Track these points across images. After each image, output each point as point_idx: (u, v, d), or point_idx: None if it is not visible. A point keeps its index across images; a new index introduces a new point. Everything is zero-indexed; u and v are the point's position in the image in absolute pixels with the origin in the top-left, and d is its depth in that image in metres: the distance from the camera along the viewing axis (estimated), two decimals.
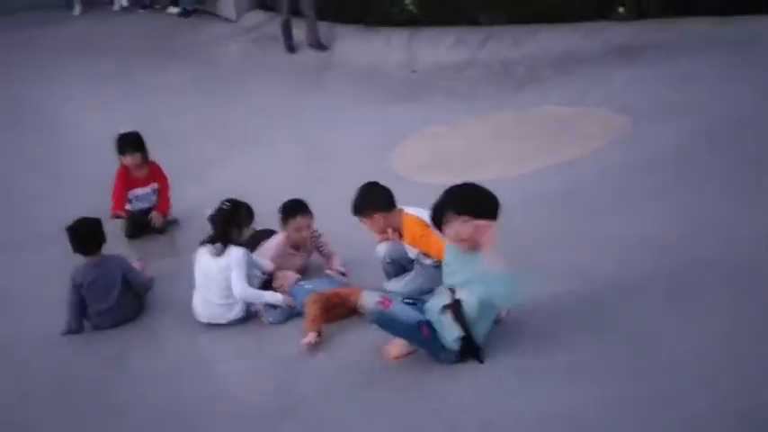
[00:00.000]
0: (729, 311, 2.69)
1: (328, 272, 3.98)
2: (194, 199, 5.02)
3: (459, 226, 2.73)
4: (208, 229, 3.84)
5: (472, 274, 2.76)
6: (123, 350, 3.75)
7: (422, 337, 2.80)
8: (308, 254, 4.11)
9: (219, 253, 3.73)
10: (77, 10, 10.74)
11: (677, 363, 2.44)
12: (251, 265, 3.78)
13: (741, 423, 2.16)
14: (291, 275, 3.91)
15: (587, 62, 6.42)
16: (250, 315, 3.79)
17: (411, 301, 2.98)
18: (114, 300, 3.93)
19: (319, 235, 4.12)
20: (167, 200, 5.15)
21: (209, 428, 2.91)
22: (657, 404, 2.28)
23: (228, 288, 3.71)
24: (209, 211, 3.83)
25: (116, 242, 4.81)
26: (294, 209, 3.93)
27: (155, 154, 5.18)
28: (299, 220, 3.90)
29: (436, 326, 2.81)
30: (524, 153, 5.19)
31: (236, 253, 3.73)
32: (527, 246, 3.59)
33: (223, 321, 3.77)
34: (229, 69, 8.24)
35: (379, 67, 7.53)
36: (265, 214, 4.19)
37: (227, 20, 9.63)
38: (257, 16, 9.44)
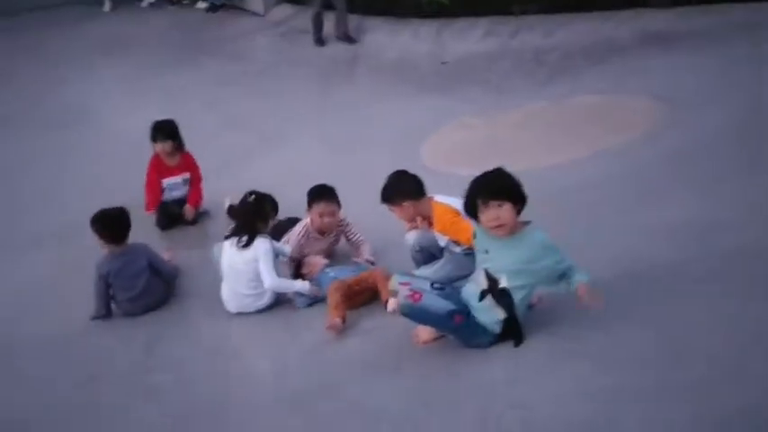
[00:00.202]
0: (760, 302, 2.61)
1: (356, 260, 3.98)
2: (225, 192, 5.03)
3: (495, 211, 2.68)
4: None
5: (516, 259, 2.71)
6: (156, 336, 3.79)
7: (453, 325, 2.78)
8: (333, 239, 4.12)
9: (245, 245, 3.74)
10: (107, 6, 10.88)
11: (715, 353, 2.37)
12: (275, 253, 3.81)
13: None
14: (318, 263, 3.94)
15: (622, 50, 6.31)
16: (279, 301, 3.82)
17: (440, 286, 2.93)
18: (142, 286, 3.98)
19: (347, 224, 4.12)
20: (199, 191, 5.17)
21: (245, 410, 2.93)
22: (690, 393, 2.22)
23: (256, 279, 3.74)
24: (228, 200, 3.85)
25: (148, 233, 4.88)
26: (318, 194, 3.96)
27: (188, 148, 5.19)
28: (322, 206, 3.93)
29: (476, 312, 2.78)
30: (559, 143, 5.11)
31: (261, 244, 3.75)
32: (566, 234, 3.52)
33: (252, 310, 3.80)
34: (258, 63, 8.27)
35: (408, 59, 7.49)
36: (294, 207, 4.22)
37: (254, 14, 9.68)
38: (285, 10, 9.46)
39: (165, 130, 5.06)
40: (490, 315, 2.75)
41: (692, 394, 2.22)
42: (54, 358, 3.72)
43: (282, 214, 4.27)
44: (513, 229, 2.73)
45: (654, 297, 2.84)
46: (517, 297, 2.73)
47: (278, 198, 4.07)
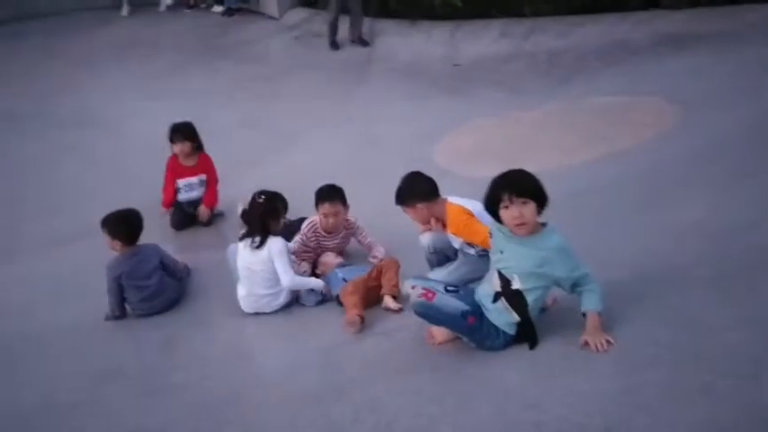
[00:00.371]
0: None
1: (371, 260, 4.03)
2: (240, 193, 5.02)
3: (519, 208, 2.69)
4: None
5: (531, 261, 2.73)
6: (172, 336, 3.82)
7: (467, 326, 2.77)
8: (341, 239, 4.16)
9: (259, 246, 3.79)
10: (125, 11, 11.02)
11: (728, 353, 2.37)
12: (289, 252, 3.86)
13: None
14: (331, 262, 4.00)
15: (637, 52, 6.30)
16: (292, 300, 3.87)
17: (453, 288, 2.95)
18: (155, 286, 4.02)
19: (358, 227, 4.16)
20: (215, 193, 5.23)
21: (259, 410, 2.95)
22: (704, 395, 2.21)
23: (272, 279, 3.79)
24: (241, 206, 3.89)
25: (163, 233, 4.97)
26: (323, 194, 4.02)
27: (205, 150, 5.26)
28: (326, 207, 3.99)
29: (490, 314, 2.78)
30: (576, 144, 5.11)
31: (275, 244, 3.80)
32: (579, 235, 3.53)
33: (269, 310, 3.84)
34: (274, 66, 8.34)
35: (421, 62, 7.52)
36: (307, 208, 4.23)
37: (270, 17, 9.76)
38: (300, 13, 9.54)
39: (184, 132, 5.13)
40: (504, 317, 2.75)
41: (707, 396, 2.21)
42: (68, 355, 3.77)
43: (296, 215, 4.32)
44: (532, 230, 2.73)
45: (668, 298, 2.84)
46: (530, 299, 2.72)
47: (291, 199, 4.12)
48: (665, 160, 4.44)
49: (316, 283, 3.84)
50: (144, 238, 4.27)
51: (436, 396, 2.62)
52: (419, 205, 3.55)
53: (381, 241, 4.24)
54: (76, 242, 4.99)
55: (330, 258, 4.05)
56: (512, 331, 2.77)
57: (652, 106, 5.37)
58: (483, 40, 7.45)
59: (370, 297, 3.59)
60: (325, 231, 4.08)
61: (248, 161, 5.95)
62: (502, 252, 2.80)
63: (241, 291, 3.88)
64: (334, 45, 8.28)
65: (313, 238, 4.07)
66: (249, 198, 4.00)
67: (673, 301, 2.80)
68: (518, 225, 2.70)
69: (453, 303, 2.77)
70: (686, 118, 4.98)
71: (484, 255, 3.31)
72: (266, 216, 3.85)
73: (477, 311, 2.79)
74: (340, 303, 3.74)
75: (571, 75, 6.38)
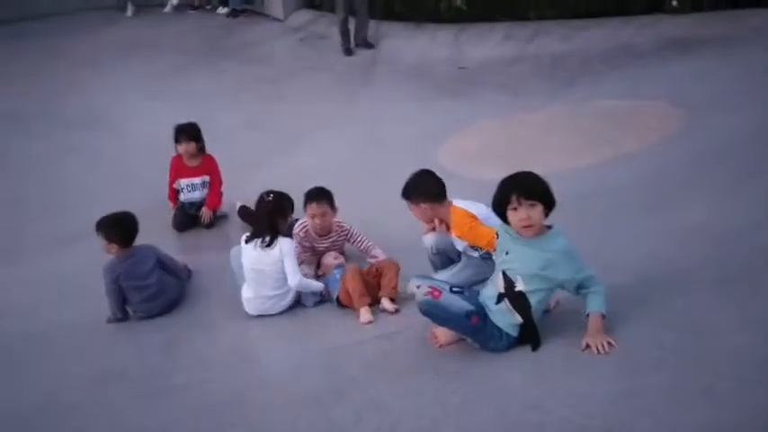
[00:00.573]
0: None
1: (370, 260, 4.04)
2: (247, 195, 5.01)
3: (527, 210, 2.69)
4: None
5: (535, 263, 2.73)
6: (174, 338, 3.82)
7: (471, 326, 2.78)
8: (332, 242, 4.18)
9: (269, 245, 3.79)
10: (130, 11, 11.06)
11: (731, 355, 2.36)
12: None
13: None
14: (330, 264, 4.02)
15: (641, 56, 6.30)
16: (298, 304, 3.87)
17: (458, 289, 2.94)
18: (155, 285, 4.02)
19: (352, 232, 4.17)
20: (218, 194, 5.22)
21: (265, 412, 2.95)
22: (706, 397, 2.21)
23: (281, 279, 3.78)
24: (240, 202, 3.89)
25: (165, 235, 4.98)
26: (310, 196, 4.05)
27: (209, 151, 5.26)
28: (313, 207, 4.02)
29: (493, 315, 2.79)
30: (581, 147, 5.11)
31: (286, 244, 3.81)
32: (583, 238, 3.53)
33: (274, 312, 3.83)
34: (279, 68, 8.35)
35: (426, 64, 7.52)
36: None
37: (275, 19, 9.78)
38: (304, 15, 9.56)
39: (189, 132, 5.14)
40: (507, 318, 2.76)
41: (709, 399, 2.21)
42: (70, 356, 3.77)
43: (301, 215, 4.30)
44: (538, 232, 2.73)
45: (672, 301, 2.83)
46: (533, 300, 2.73)
47: (296, 200, 4.12)
48: (669, 164, 4.43)
49: (317, 285, 3.87)
50: (145, 239, 4.27)
51: (439, 398, 2.62)
52: (423, 205, 3.55)
53: (385, 242, 4.24)
54: (78, 243, 4.97)
55: (330, 260, 4.07)
56: (514, 333, 2.78)
57: (656, 110, 5.37)
58: (487, 43, 7.46)
59: (369, 291, 3.62)
60: (314, 233, 4.11)
61: (253, 162, 5.96)
62: (507, 253, 2.80)
63: (247, 293, 3.87)
64: (348, 51, 8.23)
65: (306, 240, 4.09)
66: (249, 198, 4.00)
67: (677, 303, 2.80)
68: (525, 227, 2.71)
69: (458, 303, 2.77)
70: (691, 121, 4.98)
71: (488, 257, 3.31)
72: (275, 214, 3.85)
73: (481, 312, 2.79)
74: (339, 304, 3.77)
75: (575, 78, 6.38)
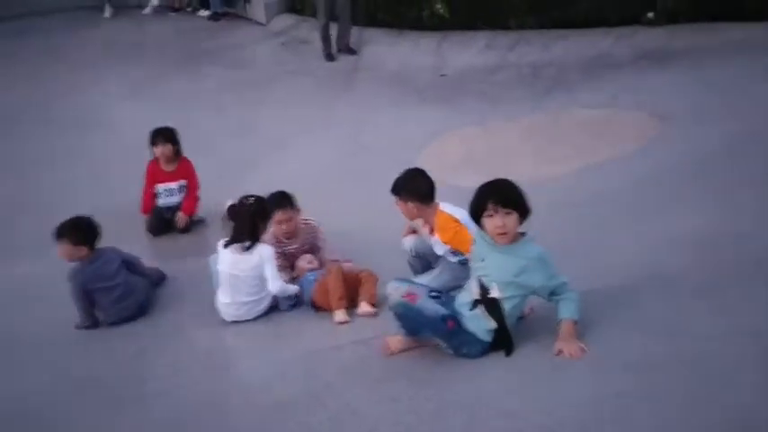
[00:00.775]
0: (762, 308, 2.65)
1: (331, 261, 4.03)
2: (224, 199, 5.01)
3: (502, 218, 2.73)
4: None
5: (509, 269, 2.75)
6: (149, 345, 3.79)
7: (446, 330, 2.80)
8: (303, 242, 4.18)
9: (248, 249, 3.77)
10: (108, 12, 10.93)
11: (705, 359, 2.40)
12: None
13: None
14: (305, 267, 4.03)
15: (618, 66, 6.39)
16: (273, 308, 3.86)
17: (436, 293, 2.97)
18: (123, 285, 3.99)
19: (316, 225, 4.19)
20: (195, 199, 5.18)
21: (240, 419, 2.93)
22: (679, 399, 2.25)
23: (258, 284, 3.77)
24: (231, 201, 3.87)
25: (140, 239, 4.94)
26: (273, 203, 4.04)
27: (188, 155, 5.23)
28: (279, 214, 4.03)
29: (467, 321, 2.81)
30: (558, 155, 5.17)
31: (266, 250, 3.80)
32: (560, 245, 3.57)
33: (250, 317, 3.82)
34: (260, 72, 8.32)
35: (408, 71, 7.55)
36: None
37: (257, 23, 9.75)
38: (287, 19, 9.54)
39: (165, 134, 5.12)
40: (481, 324, 2.78)
41: (683, 402, 2.24)
42: (42, 363, 3.71)
43: None
44: (512, 239, 2.76)
45: (648, 307, 2.87)
46: (507, 306, 2.75)
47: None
48: (646, 173, 4.50)
49: (294, 289, 3.88)
50: (120, 243, 4.25)
51: (413, 405, 2.62)
52: (411, 203, 3.57)
53: (365, 246, 4.25)
54: (51, 247, 4.91)
55: (303, 263, 4.08)
56: (488, 338, 2.80)
57: (634, 119, 5.45)
58: (469, 51, 7.52)
59: (348, 295, 3.63)
60: (285, 238, 4.12)
61: (235, 166, 5.92)
62: (483, 260, 2.83)
63: (224, 298, 3.84)
64: (330, 57, 8.23)
65: (277, 246, 4.08)
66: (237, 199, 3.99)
67: (653, 310, 2.84)
68: (500, 234, 2.75)
69: (434, 307, 2.80)
70: (666, 131, 5.07)
71: (465, 263, 3.33)
72: (256, 218, 3.84)
73: (456, 318, 2.81)
74: (313, 306, 3.78)
75: (555, 87, 6.46)
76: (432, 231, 3.58)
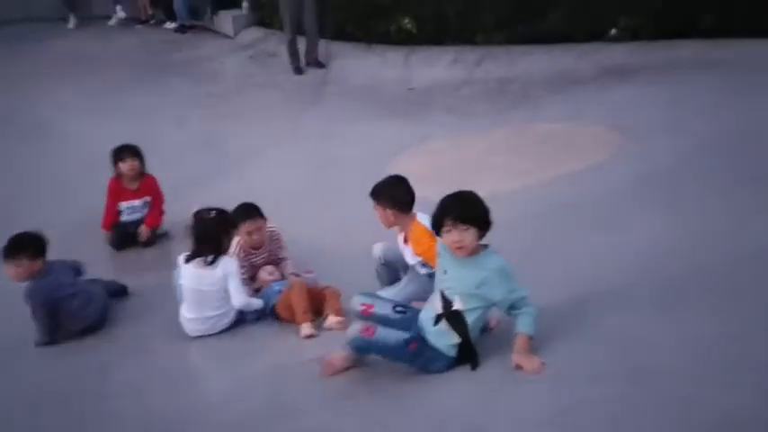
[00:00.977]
0: (720, 317, 2.71)
1: (291, 277, 4.00)
2: (188, 213, 4.97)
3: (460, 234, 2.74)
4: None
5: (471, 281, 2.77)
6: (112, 361, 3.70)
7: (409, 353, 2.81)
8: (269, 251, 4.18)
9: (211, 264, 3.72)
10: (72, 23, 10.77)
11: (663, 372, 2.44)
12: None
13: (723, 424, 2.18)
14: (266, 279, 4.00)
15: (582, 82, 6.53)
16: (238, 321, 3.80)
17: (402, 308, 2.99)
18: (84, 291, 3.95)
19: (279, 233, 4.18)
20: (159, 213, 5.11)
21: None
22: (641, 407, 2.28)
23: (223, 299, 3.73)
24: (197, 207, 3.84)
25: (102, 253, 4.85)
26: (242, 215, 4.02)
27: (151, 169, 5.16)
28: (247, 225, 4.01)
29: (431, 336, 2.82)
30: (523, 167, 5.23)
31: (229, 263, 3.76)
32: (524, 256, 3.61)
33: (215, 331, 3.76)
34: (227, 85, 8.28)
35: (376, 85, 7.60)
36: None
37: (224, 36, 9.71)
38: (254, 33, 9.52)
39: (133, 149, 5.02)
40: (444, 339, 2.79)
41: (641, 414, 2.27)
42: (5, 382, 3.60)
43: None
44: (471, 252, 2.78)
45: (608, 318, 2.91)
46: (470, 319, 2.76)
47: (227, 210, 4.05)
48: (609, 185, 4.58)
49: (257, 303, 3.83)
50: (81, 257, 4.18)
51: (380, 419, 2.61)
52: (389, 210, 3.56)
53: (332, 258, 4.22)
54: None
55: (265, 275, 4.05)
56: (453, 353, 2.80)
57: (596, 133, 5.57)
58: (437, 66, 7.60)
59: (312, 309, 3.62)
60: (252, 248, 4.10)
61: (201, 179, 5.84)
62: (446, 272, 2.85)
63: (188, 314, 3.77)
64: (298, 71, 8.23)
65: (243, 257, 4.06)
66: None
67: (613, 321, 2.88)
68: (457, 248, 2.77)
69: (394, 334, 2.82)
70: (628, 145, 5.18)
71: (433, 276, 3.33)
72: (219, 232, 3.79)
73: (417, 336, 2.83)
74: (276, 317, 3.75)
75: (520, 101, 6.56)
76: (406, 241, 3.59)
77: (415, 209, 3.64)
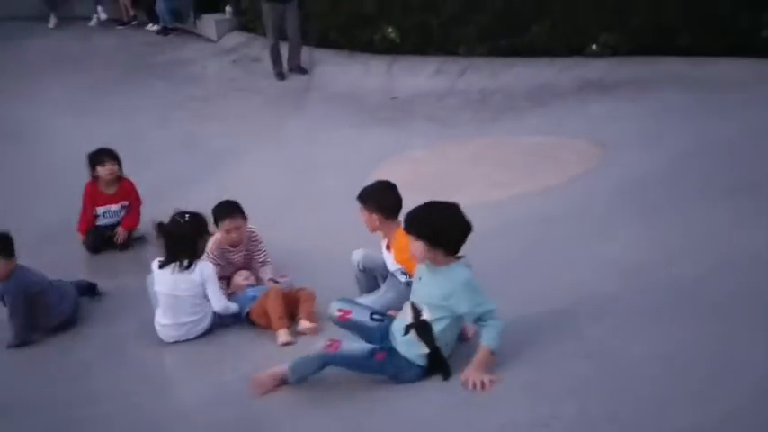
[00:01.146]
0: (699, 329, 2.74)
1: (269, 282, 3.99)
2: (165, 216, 4.95)
3: (412, 243, 2.79)
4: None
5: (438, 291, 2.77)
6: (87, 366, 3.65)
7: (376, 363, 2.82)
8: (246, 252, 4.17)
9: (187, 268, 3.68)
10: (52, 23, 10.65)
11: (638, 384, 2.46)
12: None
13: None
14: (242, 284, 3.99)
15: (562, 95, 6.61)
16: (214, 326, 3.77)
17: (379, 317, 2.98)
18: (54, 287, 3.96)
19: (258, 239, 4.18)
20: (137, 215, 5.05)
21: None
22: (610, 422, 2.30)
23: (199, 304, 3.70)
24: (172, 211, 3.82)
25: (77, 256, 4.79)
26: (223, 212, 4.02)
27: (132, 171, 5.11)
28: (226, 223, 4.01)
29: (400, 346, 2.82)
30: (503, 178, 5.26)
31: (207, 268, 3.73)
32: (505, 267, 3.64)
33: (191, 337, 3.72)
34: (209, 89, 8.24)
35: (359, 93, 7.61)
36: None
37: (207, 40, 9.66)
38: (237, 37, 9.49)
39: (111, 153, 4.95)
40: (413, 349, 2.80)
41: (615, 425, 2.28)
42: None
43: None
44: (439, 262, 2.79)
45: (585, 331, 2.93)
46: (437, 328, 2.77)
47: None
48: (588, 197, 4.63)
49: (235, 307, 3.81)
50: (57, 261, 4.21)
51: (355, 428, 2.59)
52: (375, 215, 3.55)
53: (311, 263, 4.21)
54: None
55: (240, 280, 4.03)
56: (423, 362, 2.81)
57: (576, 146, 5.63)
58: (420, 76, 7.64)
59: (287, 314, 3.61)
60: (230, 246, 4.09)
61: (182, 182, 5.79)
62: (420, 279, 2.88)
63: (163, 320, 3.73)
64: (281, 76, 8.22)
65: (219, 255, 4.05)
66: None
67: (590, 333, 2.89)
68: (413, 258, 2.83)
69: (359, 346, 2.85)
70: (607, 158, 5.24)
71: (411, 283, 3.34)
72: (194, 236, 3.76)
73: (385, 346, 2.84)
74: (250, 322, 3.73)
75: (501, 113, 6.62)
76: (388, 247, 3.59)
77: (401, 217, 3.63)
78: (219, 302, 3.71)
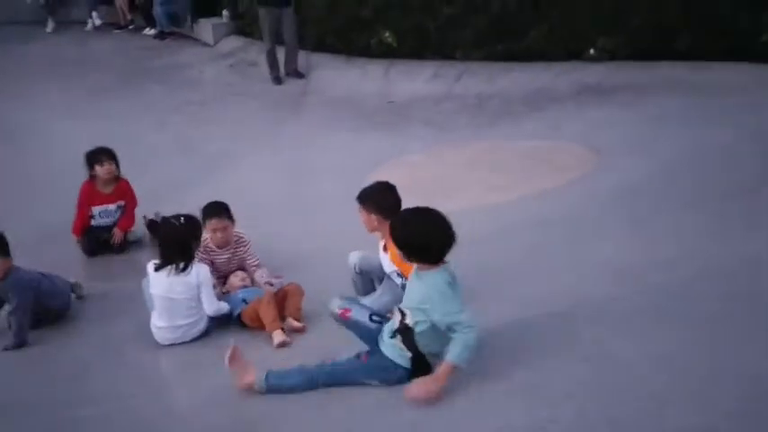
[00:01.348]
0: (697, 334, 2.73)
1: (265, 286, 3.94)
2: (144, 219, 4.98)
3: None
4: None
5: (416, 296, 2.77)
6: (83, 368, 3.64)
7: (362, 366, 2.85)
8: (232, 253, 4.19)
9: (183, 271, 3.68)
10: (50, 27, 10.67)
11: (638, 389, 2.45)
12: None
13: None
14: (236, 285, 4.02)
15: (560, 100, 6.62)
16: (210, 328, 3.77)
17: (378, 318, 2.97)
18: (47, 277, 4.04)
19: (247, 243, 4.20)
20: (132, 216, 5.06)
21: None
22: (608, 425, 2.29)
23: (194, 306, 3.69)
24: (151, 216, 3.81)
25: (74, 260, 4.78)
26: (210, 211, 4.06)
27: (129, 174, 5.11)
28: (213, 222, 4.05)
29: (385, 347, 2.83)
30: (500, 182, 5.27)
31: (202, 271, 3.73)
32: (502, 270, 3.63)
33: (187, 339, 3.72)
34: (207, 93, 8.25)
35: (356, 97, 7.62)
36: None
37: (204, 44, 9.67)
38: (234, 42, 9.50)
39: (109, 153, 4.95)
40: (397, 351, 2.81)
41: (614, 428, 2.27)
42: None
43: None
44: (423, 267, 2.78)
45: (582, 334, 2.92)
46: (418, 330, 2.75)
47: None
48: (583, 201, 4.64)
49: (226, 307, 3.82)
50: (54, 264, 4.16)
51: (347, 429, 2.57)
52: (374, 215, 3.54)
53: (311, 265, 4.20)
54: None
55: (236, 281, 4.05)
56: (407, 364, 2.80)
57: (572, 151, 5.64)
58: (416, 80, 7.65)
59: (278, 302, 3.65)
60: (216, 246, 4.10)
61: (178, 186, 5.79)
62: (411, 282, 2.88)
63: (159, 322, 3.72)
64: (278, 80, 8.24)
65: (204, 255, 4.06)
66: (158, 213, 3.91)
67: (586, 336, 2.88)
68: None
69: (346, 355, 2.88)
70: (603, 163, 5.26)
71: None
72: (189, 239, 3.76)
73: (371, 349, 2.87)
74: (241, 324, 3.74)
75: (498, 118, 6.63)
76: (386, 249, 3.59)
77: None
78: (212, 306, 3.72)
